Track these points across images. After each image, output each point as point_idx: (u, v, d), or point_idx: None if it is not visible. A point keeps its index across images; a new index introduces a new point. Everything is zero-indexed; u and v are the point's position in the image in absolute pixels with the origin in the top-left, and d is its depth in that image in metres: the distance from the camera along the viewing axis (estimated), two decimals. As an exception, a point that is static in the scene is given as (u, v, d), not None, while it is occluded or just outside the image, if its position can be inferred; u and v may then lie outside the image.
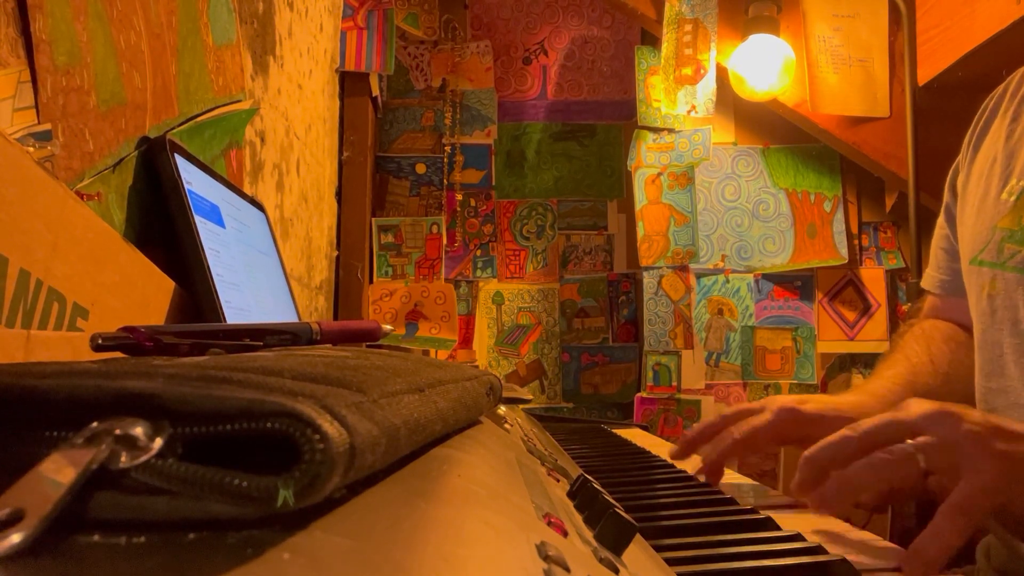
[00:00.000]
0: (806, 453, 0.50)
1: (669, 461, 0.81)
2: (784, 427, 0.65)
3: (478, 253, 1.92)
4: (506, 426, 0.50)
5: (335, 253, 1.68)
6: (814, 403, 0.68)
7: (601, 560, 0.25)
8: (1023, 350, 0.66)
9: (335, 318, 1.64)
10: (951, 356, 0.80)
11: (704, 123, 1.92)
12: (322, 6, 1.45)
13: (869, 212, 1.93)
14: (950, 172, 0.84)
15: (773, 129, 1.91)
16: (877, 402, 0.71)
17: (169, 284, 0.61)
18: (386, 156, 1.91)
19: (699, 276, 1.89)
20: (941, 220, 0.86)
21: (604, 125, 1.98)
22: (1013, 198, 0.69)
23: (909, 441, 0.47)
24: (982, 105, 0.81)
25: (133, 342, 0.38)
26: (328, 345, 0.52)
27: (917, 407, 0.49)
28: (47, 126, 0.50)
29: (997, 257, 0.69)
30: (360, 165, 1.72)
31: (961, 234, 0.78)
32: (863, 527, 0.54)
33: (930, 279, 0.88)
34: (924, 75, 1.70)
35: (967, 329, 0.79)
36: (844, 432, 0.49)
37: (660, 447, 0.99)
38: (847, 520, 0.56)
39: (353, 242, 1.72)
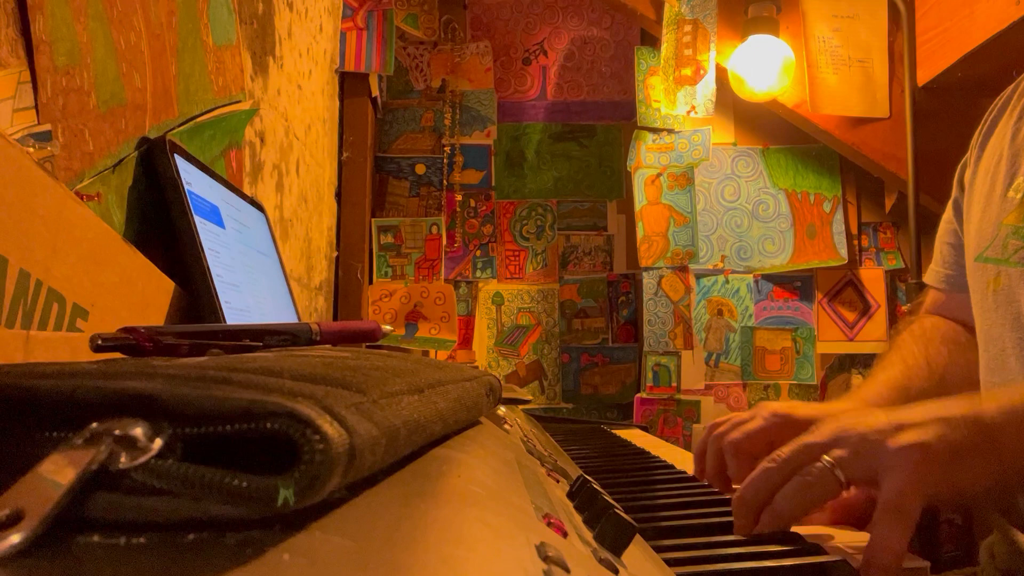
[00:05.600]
0: (735, 496, 0.51)
1: (668, 462, 0.81)
2: (776, 431, 0.65)
3: (478, 254, 1.92)
4: (506, 427, 0.50)
5: (335, 254, 1.68)
6: (805, 409, 0.68)
7: (601, 560, 0.25)
8: None
9: (335, 319, 1.64)
10: (948, 358, 0.80)
11: (704, 124, 1.92)
12: (322, 7, 1.45)
13: (869, 213, 1.93)
14: (959, 167, 0.84)
15: (773, 130, 1.91)
16: (869, 408, 0.71)
17: (169, 284, 0.61)
18: (386, 157, 1.91)
19: (699, 277, 1.89)
20: (948, 215, 0.86)
21: (604, 126, 1.98)
22: (1019, 195, 0.69)
23: (825, 457, 0.48)
24: (991, 104, 0.81)
25: (133, 343, 0.38)
26: (328, 346, 0.52)
27: (826, 422, 0.51)
28: (47, 127, 0.50)
29: (1002, 253, 0.69)
30: (360, 166, 1.72)
31: (967, 231, 0.78)
32: (863, 528, 0.54)
33: (933, 274, 0.88)
34: (924, 76, 1.70)
35: (969, 327, 0.79)
36: (764, 465, 0.51)
37: (660, 448, 0.99)
38: (847, 522, 0.56)
39: (353, 243, 1.72)
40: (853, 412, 0.50)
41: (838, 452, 0.48)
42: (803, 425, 0.66)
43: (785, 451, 0.50)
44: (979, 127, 0.81)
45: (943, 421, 0.48)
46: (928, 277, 0.89)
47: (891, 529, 0.44)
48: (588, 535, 0.29)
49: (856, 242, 1.91)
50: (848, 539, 0.51)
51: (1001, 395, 0.49)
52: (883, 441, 0.47)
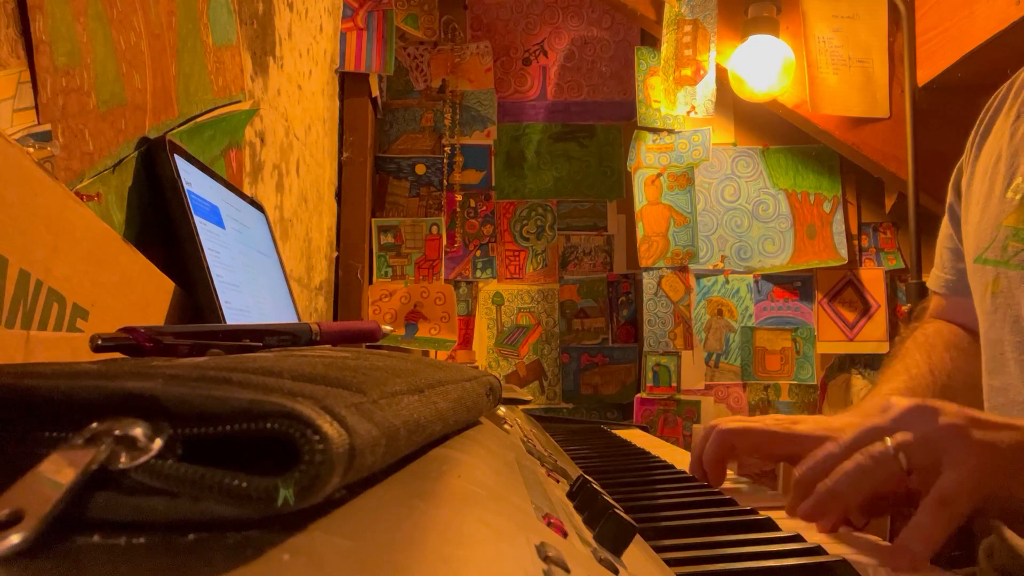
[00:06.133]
0: (796, 474, 0.50)
1: (668, 462, 0.81)
2: (775, 441, 0.65)
3: (478, 254, 1.92)
4: (506, 427, 0.50)
5: (335, 254, 1.68)
6: (807, 424, 0.67)
7: (601, 561, 0.25)
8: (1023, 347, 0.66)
9: (335, 319, 1.64)
10: (952, 365, 0.79)
11: (704, 124, 1.92)
12: (322, 7, 1.45)
13: (869, 213, 1.93)
14: (954, 172, 0.84)
15: (773, 130, 1.91)
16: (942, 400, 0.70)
17: (169, 285, 0.61)
18: (386, 157, 1.91)
19: (699, 277, 1.89)
20: (946, 220, 0.86)
21: (604, 126, 1.98)
22: (1018, 196, 0.68)
23: (889, 441, 0.47)
24: (986, 104, 0.80)
25: (133, 343, 0.38)
26: (328, 346, 0.52)
27: (896, 406, 0.49)
28: (47, 127, 0.50)
29: (1001, 255, 0.69)
30: (360, 166, 1.72)
31: (966, 233, 0.78)
32: (862, 528, 0.54)
33: (935, 279, 0.88)
34: (924, 76, 1.70)
35: (972, 331, 0.79)
36: (827, 447, 0.50)
37: (660, 448, 0.99)
38: (847, 523, 0.56)
39: (353, 243, 1.72)
40: (918, 398, 0.49)
41: (903, 436, 0.47)
42: (800, 440, 0.65)
43: (850, 433, 0.49)
44: (974, 128, 0.81)
45: (1017, 429, 0.47)
46: (930, 282, 0.89)
47: (935, 518, 0.43)
48: (588, 535, 0.29)
49: (856, 242, 1.91)
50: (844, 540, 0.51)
51: None
52: (953, 432, 0.46)
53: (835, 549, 0.46)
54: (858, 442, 0.49)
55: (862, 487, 0.47)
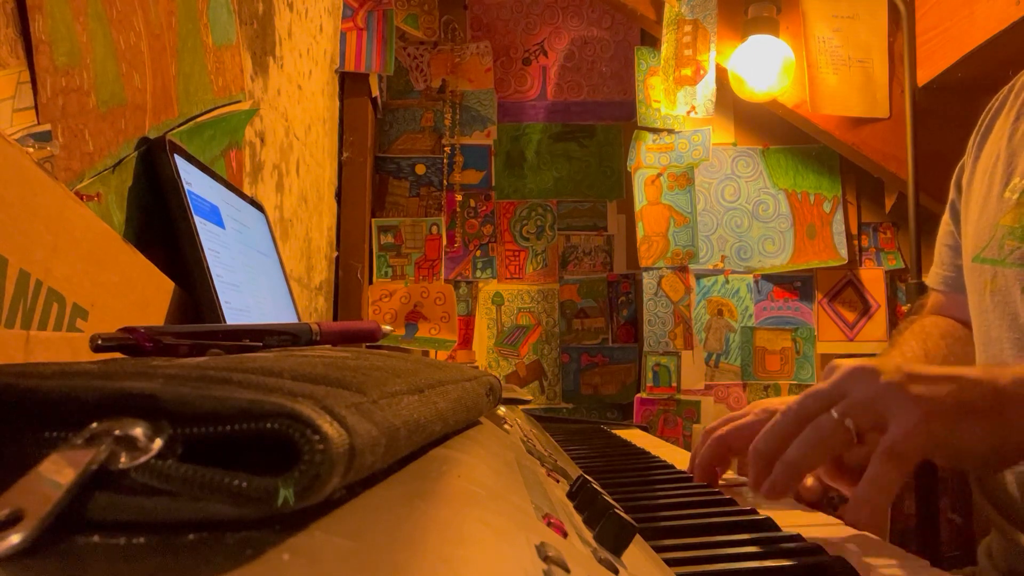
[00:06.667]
0: (751, 447, 0.51)
1: (668, 462, 0.81)
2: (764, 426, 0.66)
3: (478, 254, 1.92)
4: (506, 427, 0.50)
5: (335, 254, 1.68)
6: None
7: (601, 561, 0.25)
8: (1022, 344, 0.67)
9: (335, 319, 1.64)
10: (947, 351, 0.80)
11: (704, 124, 1.92)
12: (322, 7, 1.45)
13: (869, 213, 1.93)
14: (956, 170, 0.85)
15: (773, 130, 1.91)
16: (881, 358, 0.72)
17: (169, 285, 0.61)
18: (386, 157, 1.91)
19: (699, 277, 1.89)
20: (946, 217, 0.86)
21: (604, 126, 1.98)
22: (1016, 196, 0.69)
23: (833, 409, 0.48)
24: (987, 104, 0.81)
25: (133, 343, 0.38)
26: (328, 346, 0.52)
27: (837, 370, 0.51)
28: (47, 127, 0.50)
29: (998, 253, 0.69)
30: (360, 166, 1.72)
31: (965, 232, 0.78)
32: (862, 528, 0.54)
33: (934, 276, 0.88)
34: (924, 76, 1.70)
35: (969, 326, 0.79)
36: (776, 418, 0.52)
37: (660, 448, 0.99)
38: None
39: (353, 243, 1.72)
40: (856, 360, 0.51)
41: (846, 401, 0.48)
42: None
43: (794, 401, 0.51)
44: (976, 128, 0.81)
45: (956, 380, 0.48)
46: (929, 279, 0.90)
47: (886, 469, 0.45)
48: (588, 535, 0.29)
49: (856, 242, 1.91)
50: (826, 533, 0.51)
51: (1019, 368, 0.49)
52: (893, 389, 0.47)
53: (835, 549, 0.46)
54: (804, 409, 0.50)
55: (816, 457, 0.49)
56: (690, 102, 1.86)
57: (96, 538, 0.15)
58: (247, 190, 0.97)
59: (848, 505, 0.46)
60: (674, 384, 1.86)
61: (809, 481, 0.64)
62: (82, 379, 0.17)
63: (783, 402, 0.68)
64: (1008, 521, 0.67)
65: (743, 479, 0.76)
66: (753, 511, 0.53)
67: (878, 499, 0.45)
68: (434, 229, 1.88)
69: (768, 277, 1.90)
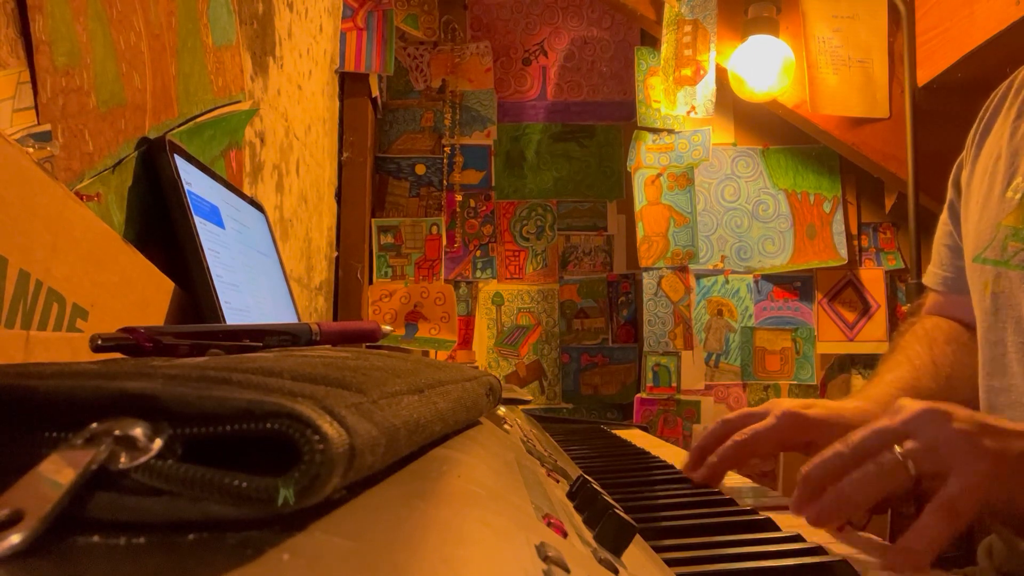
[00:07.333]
0: (803, 471, 0.50)
1: (668, 462, 0.81)
2: (788, 432, 0.65)
3: (478, 254, 1.92)
4: (506, 427, 0.50)
5: (335, 254, 1.68)
6: (818, 408, 0.67)
7: (600, 561, 0.25)
8: None
9: (335, 319, 1.64)
10: (954, 358, 0.79)
11: (703, 124, 1.92)
12: (322, 7, 1.45)
13: (868, 213, 1.93)
14: (954, 168, 0.84)
15: (772, 130, 1.91)
16: (880, 408, 0.70)
17: (169, 285, 0.61)
18: (386, 157, 1.91)
19: (699, 277, 1.89)
20: (944, 217, 0.86)
21: (604, 126, 1.98)
22: (1018, 196, 0.68)
23: (898, 448, 0.47)
24: (985, 102, 0.80)
25: (132, 343, 0.38)
26: (327, 346, 0.52)
27: (906, 409, 0.49)
28: (47, 127, 0.50)
29: (1001, 255, 0.69)
30: (360, 166, 1.72)
31: (965, 231, 0.78)
32: (863, 528, 0.54)
33: (932, 276, 0.88)
34: (923, 76, 1.70)
35: (969, 327, 0.79)
36: (836, 447, 0.50)
37: (660, 448, 0.99)
38: (847, 522, 0.56)
39: (353, 243, 1.72)
40: (929, 402, 0.49)
41: (912, 444, 0.47)
42: (816, 427, 0.65)
43: (859, 435, 0.49)
44: (975, 126, 0.81)
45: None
46: (927, 279, 0.89)
47: (940, 522, 0.44)
48: (588, 535, 0.29)
49: (856, 242, 1.91)
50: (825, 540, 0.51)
51: None
52: (964, 440, 0.46)
53: (836, 548, 0.46)
54: (868, 444, 0.49)
55: (871, 495, 0.47)
56: (690, 102, 1.86)
57: (96, 538, 0.15)
58: (247, 190, 0.97)
59: (891, 550, 0.44)
60: (674, 384, 1.86)
61: (754, 461, 0.62)
62: (82, 379, 0.17)
63: (804, 404, 0.67)
64: (1006, 526, 0.67)
65: (746, 481, 0.76)
66: (753, 512, 0.53)
67: (925, 550, 0.43)
68: (434, 229, 1.88)
69: (768, 277, 1.90)
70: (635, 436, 1.18)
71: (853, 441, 0.49)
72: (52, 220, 0.44)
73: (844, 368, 1.88)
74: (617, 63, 1.99)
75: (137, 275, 0.55)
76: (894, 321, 1.88)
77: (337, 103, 1.67)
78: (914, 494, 0.49)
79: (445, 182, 1.92)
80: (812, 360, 1.88)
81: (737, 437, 0.65)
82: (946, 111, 1.68)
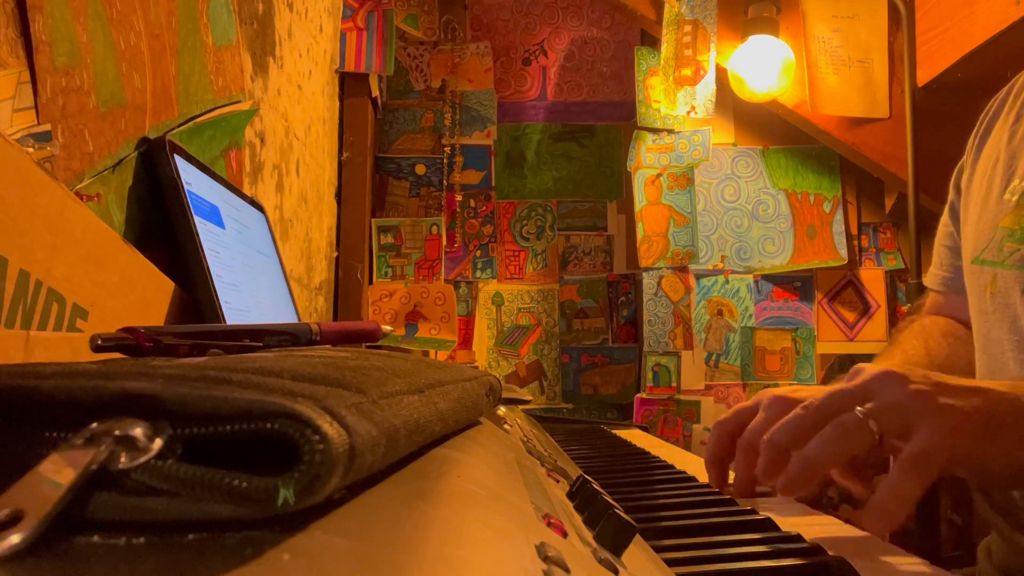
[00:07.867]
0: (765, 436, 0.50)
1: (668, 462, 0.81)
2: (780, 418, 0.65)
3: (478, 254, 1.92)
4: (506, 427, 0.50)
5: (335, 254, 1.68)
6: (806, 391, 0.67)
7: (601, 561, 0.25)
8: (1022, 347, 0.67)
9: (335, 319, 1.64)
10: (949, 350, 0.80)
11: (703, 124, 1.92)
12: (322, 7, 1.45)
13: (868, 213, 1.93)
14: (955, 171, 0.85)
15: (772, 130, 1.91)
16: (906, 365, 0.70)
17: (169, 285, 0.61)
18: (385, 157, 1.91)
19: (699, 277, 1.89)
20: (945, 218, 0.86)
21: (603, 126, 1.98)
22: (1015, 198, 0.69)
23: (859, 408, 0.47)
24: (986, 106, 0.81)
25: (133, 343, 0.38)
26: (327, 346, 0.52)
27: (864, 372, 0.50)
28: (47, 127, 0.50)
29: (998, 255, 0.69)
30: (360, 166, 1.72)
31: (964, 233, 0.78)
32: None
33: (933, 277, 0.88)
34: (923, 76, 1.70)
35: (969, 325, 0.79)
36: (797, 411, 0.50)
37: (660, 448, 0.99)
38: (847, 521, 0.56)
39: (353, 243, 1.72)
40: (887, 364, 0.50)
41: (872, 404, 0.47)
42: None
43: (818, 397, 0.50)
44: (975, 129, 0.81)
45: (983, 393, 0.48)
46: (927, 280, 0.90)
47: (907, 477, 0.44)
48: (588, 535, 0.29)
49: (856, 242, 1.91)
50: (824, 532, 0.51)
51: None
52: (921, 397, 0.46)
53: (835, 549, 0.46)
54: (827, 406, 0.49)
55: (836, 455, 0.47)
56: (690, 102, 1.86)
57: (96, 538, 0.15)
58: (247, 190, 0.97)
59: (865, 511, 0.45)
60: (674, 384, 1.86)
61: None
62: (82, 379, 0.17)
63: (794, 391, 0.67)
64: (1007, 522, 0.67)
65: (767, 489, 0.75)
66: (753, 511, 0.53)
67: (897, 508, 0.44)
68: (434, 229, 1.88)
69: (768, 277, 1.90)
70: (635, 436, 1.18)
71: (813, 403, 0.50)
72: (52, 220, 0.44)
73: (844, 368, 1.88)
74: (617, 63, 1.99)
75: (137, 275, 0.55)
76: (894, 321, 1.88)
77: (337, 103, 1.67)
78: (878, 455, 0.50)
79: (445, 182, 1.92)
80: (812, 360, 1.88)
81: (743, 443, 0.63)
82: (946, 111, 1.68)
